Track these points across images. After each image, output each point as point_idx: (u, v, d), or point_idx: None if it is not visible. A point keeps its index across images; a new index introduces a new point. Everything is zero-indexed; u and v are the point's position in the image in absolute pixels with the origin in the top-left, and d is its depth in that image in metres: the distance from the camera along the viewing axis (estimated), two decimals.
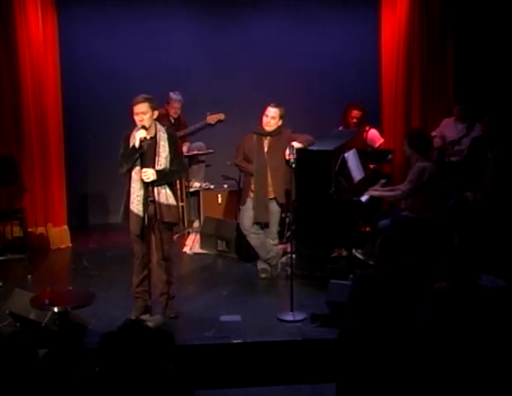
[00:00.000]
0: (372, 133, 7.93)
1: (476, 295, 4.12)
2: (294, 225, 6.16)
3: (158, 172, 5.27)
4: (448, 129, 7.51)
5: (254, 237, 6.51)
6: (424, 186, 6.20)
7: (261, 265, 6.62)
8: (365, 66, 8.37)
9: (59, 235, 7.61)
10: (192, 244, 7.63)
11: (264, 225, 6.50)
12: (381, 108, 8.14)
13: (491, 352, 3.75)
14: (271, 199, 6.40)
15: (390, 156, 7.81)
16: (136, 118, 5.26)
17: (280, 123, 6.38)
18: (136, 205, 5.31)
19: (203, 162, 8.42)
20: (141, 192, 5.28)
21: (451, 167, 7.19)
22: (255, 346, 5.17)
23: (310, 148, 6.38)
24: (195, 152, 8.24)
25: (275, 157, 6.32)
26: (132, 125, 5.33)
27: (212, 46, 8.47)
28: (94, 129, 8.37)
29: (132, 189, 5.34)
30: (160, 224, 5.41)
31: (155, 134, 5.35)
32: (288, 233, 6.87)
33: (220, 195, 8.15)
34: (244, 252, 6.97)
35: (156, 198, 5.32)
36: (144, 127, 5.22)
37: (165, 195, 5.36)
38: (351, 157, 6.73)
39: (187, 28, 8.52)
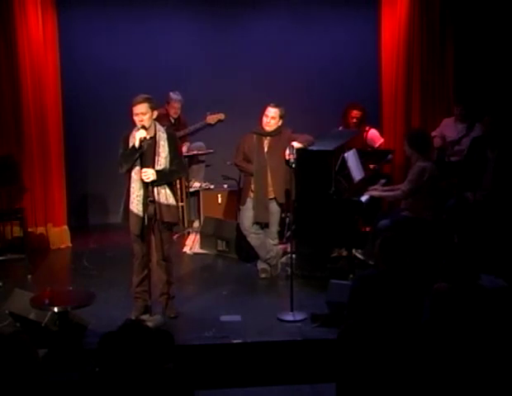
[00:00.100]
0: (372, 133, 7.93)
1: (476, 295, 4.12)
2: (294, 225, 6.16)
3: (157, 171, 5.27)
4: (448, 129, 7.51)
5: (254, 237, 6.51)
6: (424, 186, 6.20)
7: (261, 265, 6.62)
8: (365, 66, 8.37)
9: (59, 235, 7.62)
10: (192, 244, 7.63)
11: (264, 225, 6.50)
12: (381, 108, 8.13)
13: (491, 352, 3.75)
14: (271, 199, 6.40)
15: (390, 156, 7.81)
16: (136, 118, 5.26)
17: (280, 123, 6.38)
18: (136, 205, 5.31)
19: (203, 162, 8.42)
20: (141, 192, 5.28)
21: (451, 167, 7.19)
22: (255, 346, 5.17)
23: (310, 148, 6.38)
24: (195, 152, 8.24)
25: (275, 157, 6.32)
26: (132, 125, 5.33)
27: (212, 46, 8.47)
28: (94, 129, 8.37)
29: (132, 189, 5.34)
30: (160, 224, 5.41)
31: (155, 134, 5.35)
32: (288, 233, 6.86)
33: (220, 195, 8.15)
34: (244, 252, 6.97)
35: (156, 198, 5.32)
36: (143, 127, 5.22)
37: (165, 195, 5.36)
38: (351, 157, 6.73)
39: (187, 28, 8.52)
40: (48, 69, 7.38)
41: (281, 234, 6.98)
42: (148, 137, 5.26)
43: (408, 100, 7.96)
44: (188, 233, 7.96)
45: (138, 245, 5.45)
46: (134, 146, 5.23)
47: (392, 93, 8.01)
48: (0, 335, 3.19)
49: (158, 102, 5.56)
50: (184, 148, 7.79)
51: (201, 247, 7.49)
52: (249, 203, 6.43)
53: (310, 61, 8.56)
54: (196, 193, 8.30)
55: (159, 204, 5.34)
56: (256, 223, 6.46)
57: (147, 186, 5.26)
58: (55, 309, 4.95)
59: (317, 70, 8.57)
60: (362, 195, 6.54)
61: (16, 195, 7.34)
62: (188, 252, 7.45)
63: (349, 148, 6.84)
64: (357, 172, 6.75)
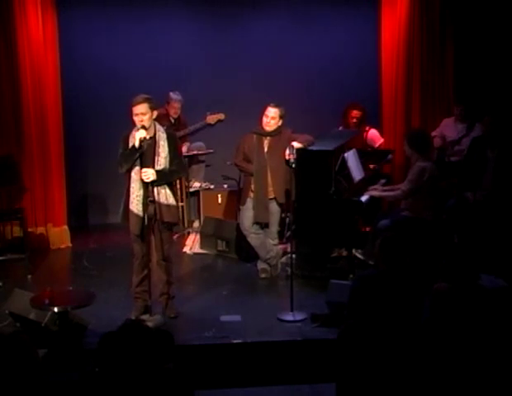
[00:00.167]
0: (372, 133, 7.93)
1: (476, 295, 4.12)
2: (294, 225, 6.16)
3: (157, 171, 5.27)
4: (448, 129, 7.51)
5: (254, 237, 6.51)
6: (424, 186, 6.20)
7: (261, 265, 6.62)
8: (365, 66, 8.37)
9: (59, 235, 7.62)
10: (192, 244, 7.63)
11: (264, 225, 6.50)
12: (381, 108, 8.14)
13: (491, 352, 3.75)
14: (271, 199, 6.40)
15: (390, 156, 7.81)
16: (136, 118, 5.26)
17: (280, 123, 6.38)
18: (136, 205, 5.31)
19: (203, 162, 8.42)
20: (141, 192, 5.28)
21: (451, 167, 7.19)
22: (255, 346, 5.17)
23: (310, 148, 6.38)
24: (195, 152, 8.24)
25: (275, 157, 6.32)
26: (132, 125, 5.33)
27: (212, 46, 8.47)
28: (94, 129, 8.37)
29: (132, 189, 5.34)
30: (160, 224, 5.41)
31: (154, 134, 5.35)
32: (288, 233, 6.86)
33: (220, 195, 8.15)
34: (244, 252, 6.97)
35: (156, 198, 5.32)
36: (143, 127, 5.22)
37: (165, 195, 5.36)
38: (351, 157, 6.73)
39: (187, 28, 8.52)
40: (48, 69, 7.38)
41: (281, 234, 6.98)
42: (148, 137, 5.25)
43: (408, 100, 7.96)
44: (188, 233, 7.96)
45: (138, 245, 5.45)
46: (134, 146, 5.23)
47: (392, 93, 8.01)
48: (0, 335, 3.19)
49: (158, 102, 5.56)
50: (184, 148, 7.79)
51: (201, 247, 7.49)
52: (249, 203, 6.43)
53: (310, 61, 8.56)
54: (196, 193, 8.30)
55: (159, 204, 5.34)
56: (256, 223, 6.46)
57: (147, 186, 5.26)
58: (55, 309, 4.95)
59: (317, 70, 8.57)
60: (362, 195, 6.54)
61: (16, 195, 7.34)
62: (188, 252, 7.45)
63: (349, 148, 6.84)
64: (357, 172, 6.75)
